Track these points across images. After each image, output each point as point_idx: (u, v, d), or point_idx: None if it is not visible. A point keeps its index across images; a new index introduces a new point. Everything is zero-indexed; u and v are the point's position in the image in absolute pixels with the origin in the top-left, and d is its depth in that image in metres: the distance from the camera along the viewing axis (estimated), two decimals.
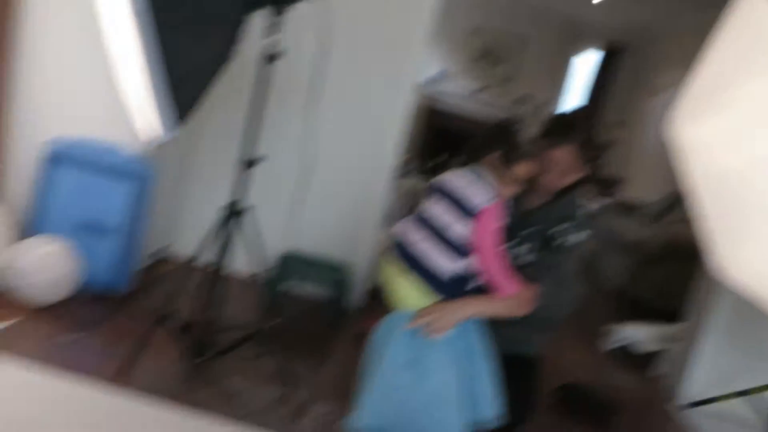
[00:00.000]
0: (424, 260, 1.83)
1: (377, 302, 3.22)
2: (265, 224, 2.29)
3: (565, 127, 1.97)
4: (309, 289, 3.06)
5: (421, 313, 1.84)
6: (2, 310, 2.12)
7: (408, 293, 1.87)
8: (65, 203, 2.43)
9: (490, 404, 1.88)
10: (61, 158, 2.43)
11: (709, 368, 2.82)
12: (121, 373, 1.91)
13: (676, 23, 5.42)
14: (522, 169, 1.82)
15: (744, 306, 2.64)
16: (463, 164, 1.89)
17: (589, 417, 2.46)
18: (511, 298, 1.85)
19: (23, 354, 1.87)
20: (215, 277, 2.12)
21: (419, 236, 1.86)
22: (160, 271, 2.94)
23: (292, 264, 2.89)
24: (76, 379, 1.83)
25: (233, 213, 2.02)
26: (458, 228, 1.79)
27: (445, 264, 1.81)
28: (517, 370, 2.01)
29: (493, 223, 1.79)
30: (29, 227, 2.44)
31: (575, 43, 6.87)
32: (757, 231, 0.93)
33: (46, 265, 2.22)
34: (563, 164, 1.93)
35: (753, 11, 0.92)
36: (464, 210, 1.79)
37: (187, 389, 1.95)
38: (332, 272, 2.95)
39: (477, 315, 1.87)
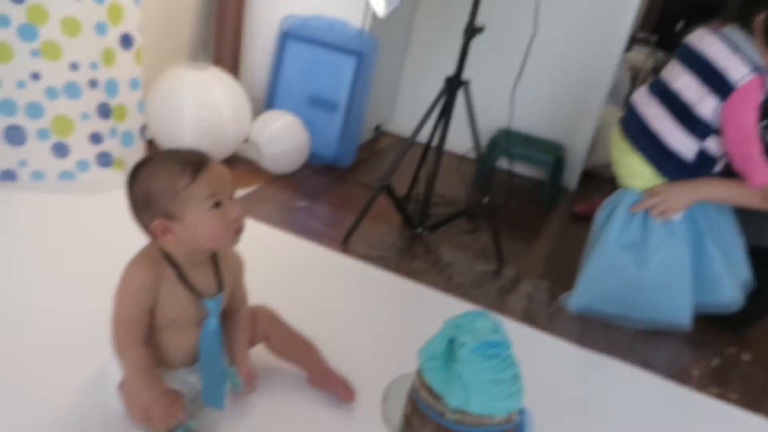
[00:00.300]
0: (663, 138, 1.66)
1: (593, 184, 3.08)
2: (482, 100, 2.24)
3: None
4: (524, 167, 3.00)
5: (650, 193, 1.71)
6: (246, 178, 2.39)
7: (638, 172, 1.73)
8: (296, 78, 2.59)
9: (725, 289, 1.74)
10: (292, 35, 2.56)
11: None
12: (343, 239, 2.07)
13: None
14: None
15: None
16: (719, 27, 1.64)
17: None
18: (759, 188, 1.63)
19: (262, 216, 2.11)
20: (432, 151, 2.16)
21: (659, 111, 1.68)
22: (380, 144, 3.07)
23: (507, 141, 2.83)
24: (305, 240, 2.03)
25: (451, 88, 1.99)
26: (708, 105, 1.58)
27: (688, 144, 1.63)
28: (762, 263, 1.82)
29: (751, 101, 1.54)
30: (266, 102, 2.66)
31: None
32: None
33: (282, 137, 2.42)
34: None
35: None
36: (717, 84, 1.56)
37: (403, 257, 2.07)
38: (548, 151, 2.84)
39: (711, 199, 1.69)
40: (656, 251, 1.70)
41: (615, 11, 2.69)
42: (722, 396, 1.68)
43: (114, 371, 1.16)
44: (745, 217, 1.75)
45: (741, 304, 1.77)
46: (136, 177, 1.09)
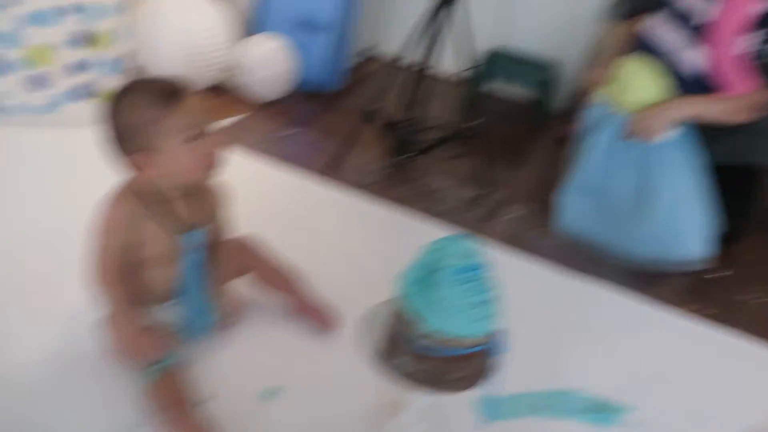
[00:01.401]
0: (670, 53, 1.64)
1: (583, 106, 3.02)
2: (473, 19, 2.16)
3: None
4: (513, 89, 2.95)
5: (636, 114, 1.68)
6: (233, 106, 2.36)
7: (642, 87, 1.69)
8: (283, 1, 2.50)
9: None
10: None
11: None
12: (330, 167, 2.07)
13: None
14: None
15: None
16: None
17: None
18: (737, 98, 1.60)
19: (250, 145, 2.10)
20: (420, 75, 2.11)
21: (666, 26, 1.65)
22: (368, 69, 3.01)
23: (497, 62, 2.77)
24: (291, 169, 2.02)
25: (442, 5, 1.93)
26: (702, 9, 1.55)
27: (688, 57, 1.61)
28: (735, 181, 1.80)
29: (746, 6, 1.51)
30: (252, 26, 2.58)
31: None
32: None
33: (268, 61, 2.37)
34: None
35: None
36: None
37: (389, 184, 2.07)
38: (539, 71, 2.79)
39: (693, 116, 1.66)
40: (635, 172, 1.69)
41: None
42: (699, 312, 1.73)
43: (91, 309, 1.18)
44: (713, 135, 1.72)
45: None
46: (111, 110, 1.06)
